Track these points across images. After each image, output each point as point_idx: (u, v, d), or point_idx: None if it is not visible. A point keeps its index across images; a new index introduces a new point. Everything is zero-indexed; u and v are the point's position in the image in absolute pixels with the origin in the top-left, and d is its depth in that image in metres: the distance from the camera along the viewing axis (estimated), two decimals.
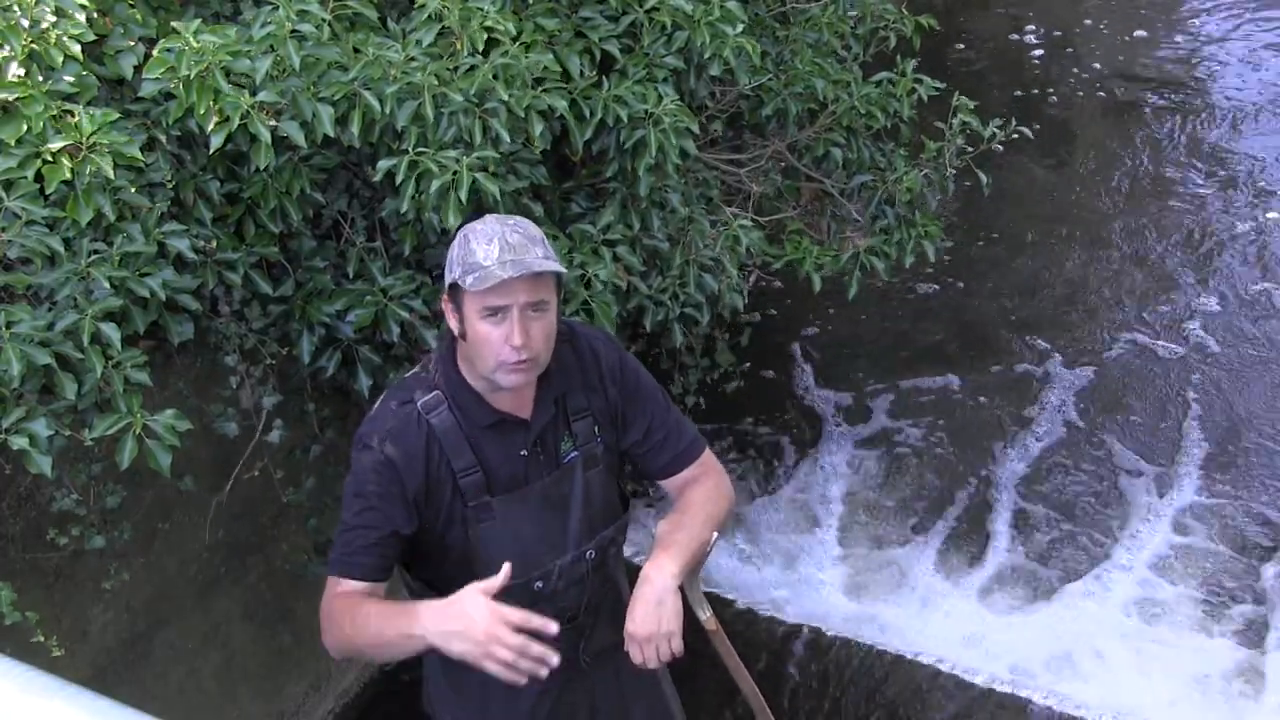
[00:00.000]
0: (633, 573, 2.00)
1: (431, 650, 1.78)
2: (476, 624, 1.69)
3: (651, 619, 1.87)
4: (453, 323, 1.88)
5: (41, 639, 2.16)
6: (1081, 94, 6.83)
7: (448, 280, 1.85)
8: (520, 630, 1.69)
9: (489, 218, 1.87)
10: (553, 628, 1.73)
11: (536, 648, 1.70)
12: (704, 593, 2.11)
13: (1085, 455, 4.31)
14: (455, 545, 1.97)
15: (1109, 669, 3.51)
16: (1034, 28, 7.54)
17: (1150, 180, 5.96)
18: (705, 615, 2.07)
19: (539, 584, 2.01)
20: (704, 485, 2.09)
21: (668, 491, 2.14)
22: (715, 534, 2.03)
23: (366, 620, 1.82)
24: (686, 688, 2.44)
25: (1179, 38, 7.32)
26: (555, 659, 1.72)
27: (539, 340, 1.83)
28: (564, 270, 1.86)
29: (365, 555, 1.90)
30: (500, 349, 1.81)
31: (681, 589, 1.97)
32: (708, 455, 2.13)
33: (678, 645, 1.89)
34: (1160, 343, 4.82)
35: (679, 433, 2.10)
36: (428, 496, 1.91)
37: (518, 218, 1.90)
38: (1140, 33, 7.39)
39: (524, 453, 1.96)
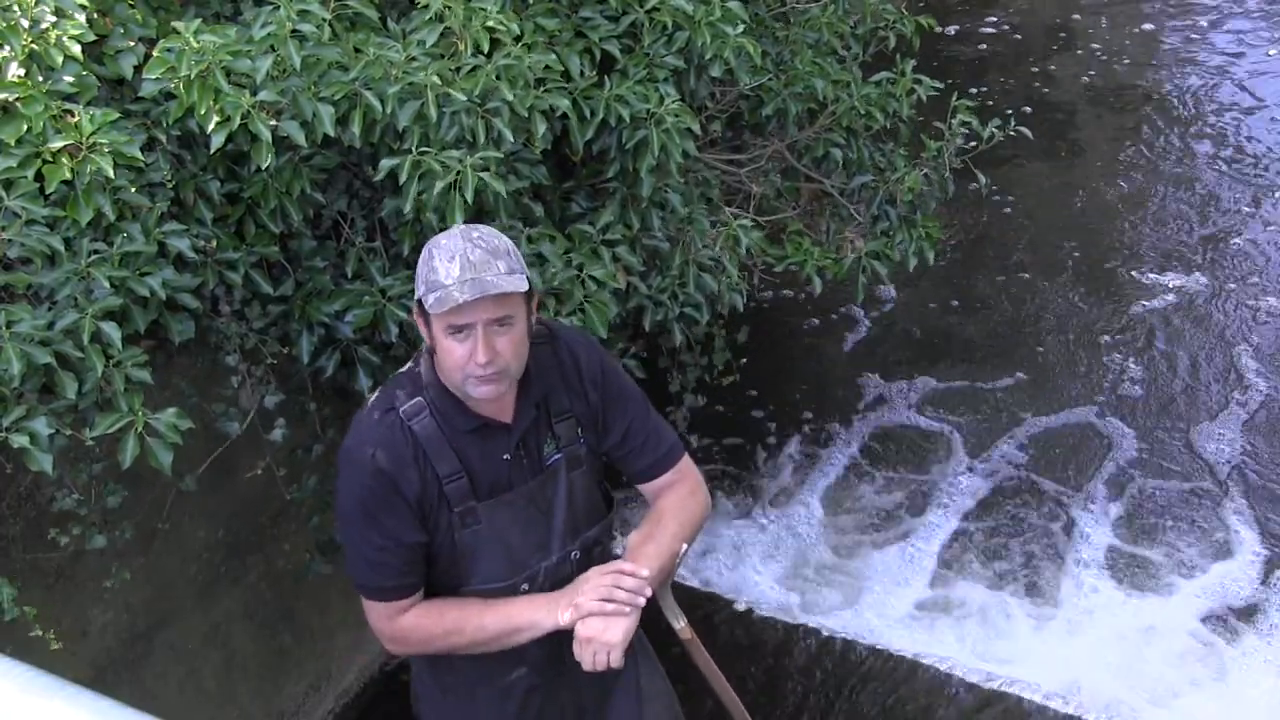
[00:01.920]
0: None
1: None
2: (588, 580, 1.92)
3: (599, 625, 1.90)
4: (425, 335, 1.89)
5: (40, 633, 2.16)
6: (1087, 85, 6.87)
7: (416, 294, 1.85)
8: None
9: (454, 231, 1.85)
10: (643, 572, 1.91)
11: (627, 580, 1.90)
12: (701, 592, 2.11)
13: (1092, 457, 4.32)
14: (442, 551, 1.97)
15: (1110, 670, 3.51)
16: (1033, 23, 7.57)
17: (1161, 167, 6.00)
18: (679, 624, 2.07)
19: (524, 586, 2.01)
20: (678, 493, 2.10)
21: (645, 496, 2.15)
22: (685, 545, 2.04)
23: (464, 622, 1.95)
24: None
25: (1189, 32, 7.35)
26: (647, 591, 1.92)
27: (506, 354, 1.82)
28: (525, 286, 1.82)
29: (402, 577, 1.95)
30: (466, 365, 1.81)
31: (654, 600, 1.98)
32: (685, 462, 2.14)
33: (616, 658, 1.90)
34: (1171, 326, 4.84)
35: (657, 438, 2.10)
36: (423, 503, 1.91)
37: (484, 229, 1.87)
38: (1148, 26, 7.42)
39: (507, 457, 1.96)
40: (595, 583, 1.92)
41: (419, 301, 1.84)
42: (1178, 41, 7.30)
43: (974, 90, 5.96)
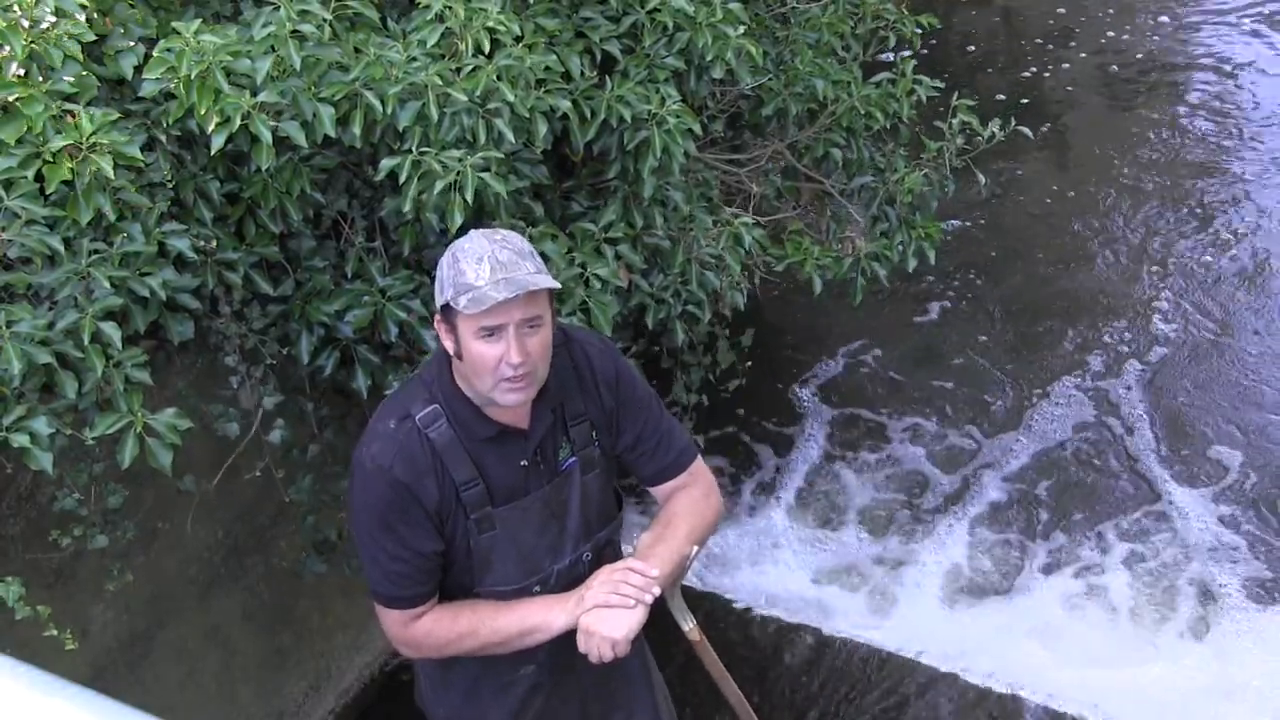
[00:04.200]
0: None
1: None
2: (597, 576, 1.94)
3: (603, 618, 1.89)
4: (448, 343, 1.87)
5: (54, 632, 2.16)
6: (1088, 78, 6.89)
7: (439, 301, 1.84)
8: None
9: (476, 234, 1.85)
10: (652, 571, 1.93)
11: (636, 577, 1.91)
12: (704, 593, 2.12)
13: (1094, 450, 4.31)
14: (457, 555, 1.97)
15: (1109, 670, 3.51)
16: (1034, 18, 7.58)
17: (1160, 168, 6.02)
18: (688, 626, 2.07)
19: (537, 588, 2.02)
20: (690, 495, 2.10)
21: (656, 498, 2.15)
22: (695, 547, 2.04)
23: (478, 626, 1.96)
24: (675, 693, 2.45)
25: (1197, 22, 7.36)
26: (656, 590, 1.93)
27: (537, 356, 1.82)
28: (557, 285, 1.84)
29: (421, 585, 1.96)
30: (499, 367, 1.80)
31: (663, 601, 1.98)
32: (698, 465, 2.14)
33: (621, 651, 1.90)
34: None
35: (670, 441, 2.10)
36: (440, 511, 1.91)
37: (505, 231, 1.87)
38: (1163, 18, 7.44)
39: (524, 463, 1.96)
40: (604, 579, 1.93)
41: (444, 307, 1.83)
42: (1187, 31, 7.31)
43: (984, 79, 6.00)
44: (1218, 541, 3.88)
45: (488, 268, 1.77)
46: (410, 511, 1.88)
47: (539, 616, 1.95)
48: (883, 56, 3.93)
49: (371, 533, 1.91)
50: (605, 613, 1.90)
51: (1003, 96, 6.65)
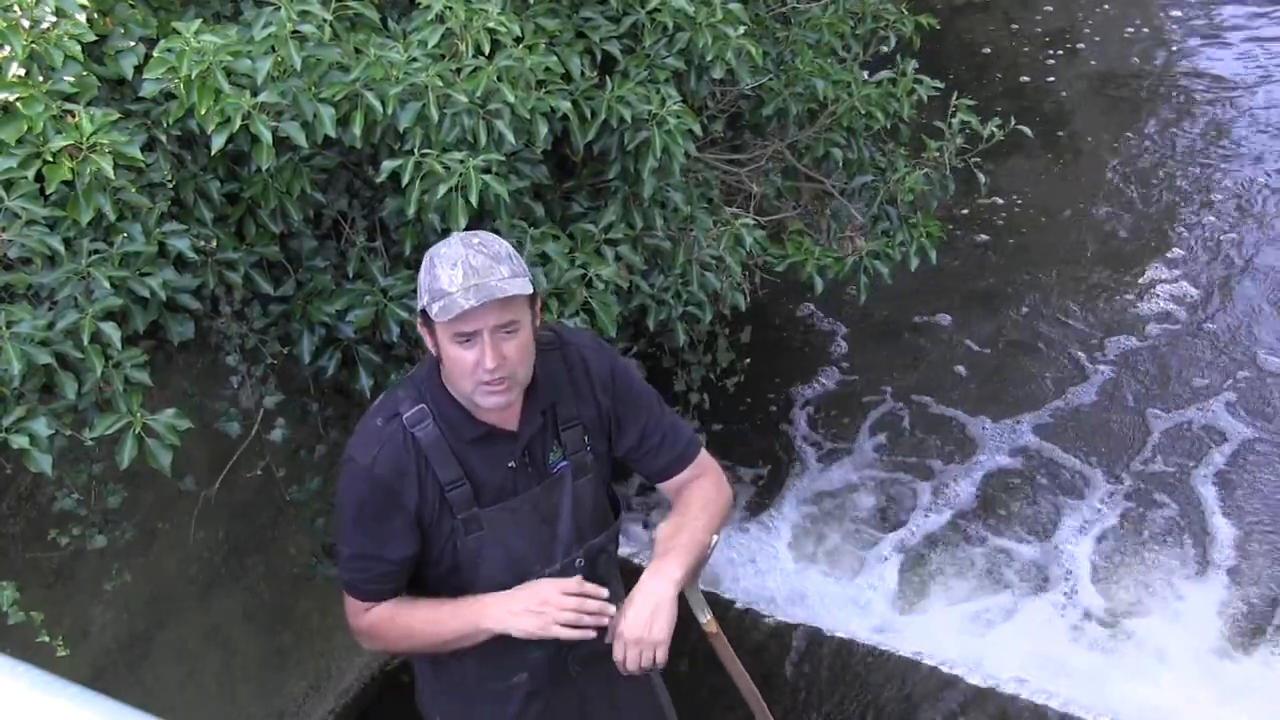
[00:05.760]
0: (630, 577, 2.00)
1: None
2: (538, 593, 1.89)
3: (644, 623, 1.88)
4: (430, 345, 1.88)
5: (46, 638, 2.16)
6: (1087, 81, 6.90)
7: (419, 306, 1.85)
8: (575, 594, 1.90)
9: (454, 239, 1.84)
10: (603, 592, 1.91)
11: (593, 603, 1.88)
12: (704, 592, 2.12)
13: (1093, 451, 4.32)
14: (444, 557, 1.97)
15: (1109, 670, 3.51)
16: (1033, 19, 7.58)
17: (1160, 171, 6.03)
18: (705, 618, 2.07)
19: None
20: (702, 486, 2.09)
21: (666, 493, 2.14)
22: (715, 536, 2.03)
23: (412, 627, 1.96)
24: (683, 692, 2.44)
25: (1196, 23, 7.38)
26: (612, 609, 1.90)
27: (514, 359, 1.82)
28: (530, 290, 1.82)
29: (381, 583, 1.96)
30: (475, 371, 1.80)
31: (681, 593, 1.97)
32: (704, 456, 2.13)
33: (662, 656, 1.89)
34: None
35: (674, 435, 2.09)
36: (422, 511, 1.91)
37: (484, 235, 1.87)
38: (1175, 12, 7.45)
39: (512, 464, 1.95)
40: (559, 602, 1.89)
41: (423, 312, 1.83)
42: (1191, 24, 7.31)
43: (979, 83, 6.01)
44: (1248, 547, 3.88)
45: (460, 273, 1.76)
46: (388, 511, 1.89)
47: (469, 623, 1.93)
48: (861, 71, 3.95)
49: (346, 523, 1.94)
50: (641, 621, 1.87)
51: (1026, 78, 6.67)
